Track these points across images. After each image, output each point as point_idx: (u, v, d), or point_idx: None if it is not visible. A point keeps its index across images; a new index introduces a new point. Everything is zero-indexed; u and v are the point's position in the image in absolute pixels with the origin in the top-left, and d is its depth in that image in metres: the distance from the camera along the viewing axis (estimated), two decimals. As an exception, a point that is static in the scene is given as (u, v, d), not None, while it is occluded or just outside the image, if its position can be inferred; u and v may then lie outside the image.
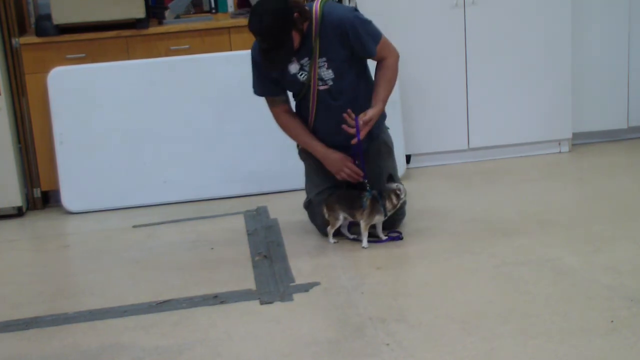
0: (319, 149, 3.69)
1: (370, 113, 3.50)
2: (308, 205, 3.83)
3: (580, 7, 4.77)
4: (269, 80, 3.66)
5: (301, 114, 3.73)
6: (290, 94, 3.75)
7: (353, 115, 3.49)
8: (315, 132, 3.71)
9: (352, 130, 3.50)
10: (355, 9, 3.62)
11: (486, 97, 4.75)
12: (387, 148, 3.78)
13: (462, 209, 4.07)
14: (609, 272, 3.20)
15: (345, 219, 3.65)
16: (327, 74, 3.57)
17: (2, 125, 4.35)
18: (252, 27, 3.41)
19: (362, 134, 3.51)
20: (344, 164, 3.65)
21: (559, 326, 2.79)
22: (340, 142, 3.63)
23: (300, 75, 3.58)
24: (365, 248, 3.60)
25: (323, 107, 3.63)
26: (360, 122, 3.48)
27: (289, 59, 3.51)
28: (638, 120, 5.00)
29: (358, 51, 3.58)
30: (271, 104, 3.73)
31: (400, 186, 3.61)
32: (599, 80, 4.91)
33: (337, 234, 3.71)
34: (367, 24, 3.57)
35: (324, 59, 3.55)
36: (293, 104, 3.79)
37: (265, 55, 3.45)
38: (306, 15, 3.48)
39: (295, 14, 3.41)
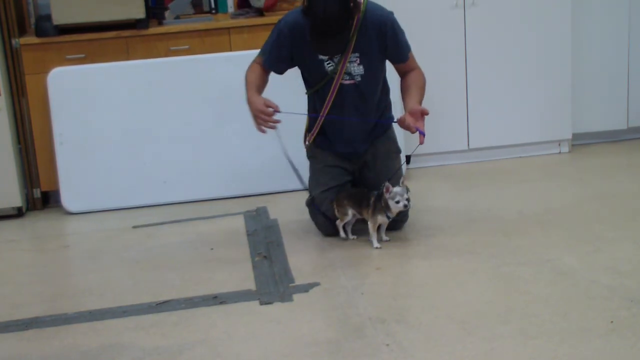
0: (249, 93, 3.61)
1: (418, 106, 3.55)
2: (311, 202, 3.83)
3: (580, 7, 4.77)
4: (281, 57, 3.65)
5: (315, 106, 3.72)
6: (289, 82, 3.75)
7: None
8: (325, 126, 3.70)
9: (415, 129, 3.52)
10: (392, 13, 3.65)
11: (486, 97, 4.75)
12: (395, 148, 3.81)
13: (462, 209, 4.07)
14: (609, 272, 3.20)
15: (353, 215, 3.65)
16: (358, 69, 3.58)
17: (2, 126, 4.35)
18: (316, 9, 3.35)
19: (422, 126, 3.53)
20: (260, 110, 3.52)
21: (559, 326, 2.79)
22: (352, 138, 3.67)
23: (328, 64, 3.58)
24: (378, 248, 3.60)
25: (342, 102, 3.63)
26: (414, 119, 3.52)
27: (342, 47, 3.50)
28: (638, 120, 5.00)
29: (391, 54, 3.62)
30: (259, 67, 3.69)
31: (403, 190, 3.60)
32: (599, 81, 4.91)
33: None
34: (403, 32, 3.63)
35: (357, 54, 3.56)
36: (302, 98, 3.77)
37: (320, 39, 3.42)
38: (358, 7, 3.50)
39: (351, 3, 3.42)
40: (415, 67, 3.69)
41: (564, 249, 3.47)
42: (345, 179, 3.78)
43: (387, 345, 2.74)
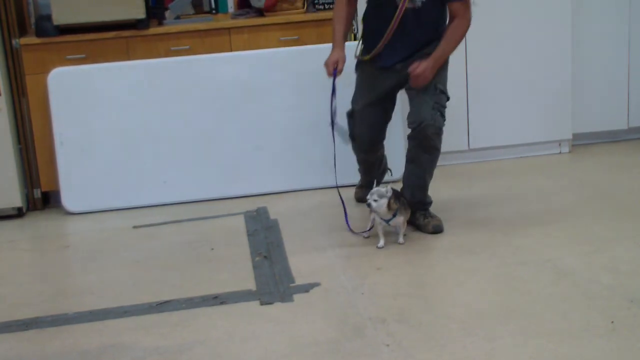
0: (335, 39, 3.79)
1: (423, 65, 3.60)
2: (351, 114, 3.92)
3: (580, 8, 4.77)
4: None
5: (370, 26, 3.79)
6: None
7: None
8: (377, 41, 3.73)
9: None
10: None
11: (486, 97, 4.75)
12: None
13: (462, 209, 4.07)
14: (609, 272, 3.20)
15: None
16: None
17: (2, 126, 4.35)
18: None
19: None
20: (331, 63, 3.73)
21: (559, 326, 2.79)
22: (401, 52, 3.72)
23: None
24: (380, 248, 3.60)
25: (403, 25, 3.65)
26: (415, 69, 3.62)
27: None
28: (638, 120, 5.00)
29: None
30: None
31: (389, 191, 3.57)
32: (599, 81, 4.90)
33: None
34: None
35: None
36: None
37: None
38: None
39: None
40: (461, 16, 3.65)
41: (564, 249, 3.47)
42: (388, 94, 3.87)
43: (387, 345, 2.74)
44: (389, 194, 3.55)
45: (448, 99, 3.75)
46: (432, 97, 3.67)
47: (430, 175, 3.84)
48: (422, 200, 3.83)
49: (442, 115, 3.70)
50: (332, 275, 3.36)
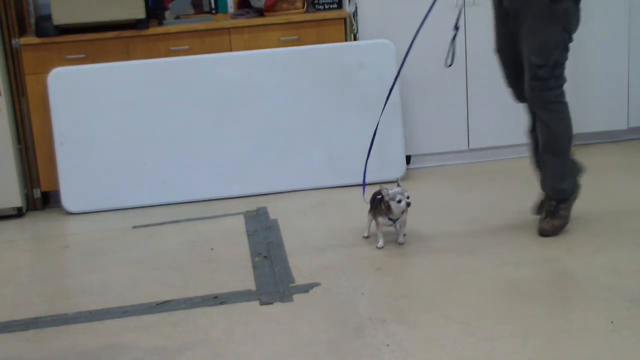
0: None
1: None
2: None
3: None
4: None
5: None
6: None
7: None
8: None
9: None
10: None
11: (486, 97, 4.75)
12: (547, 19, 3.51)
13: (462, 209, 4.07)
14: (608, 272, 3.20)
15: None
16: None
17: (2, 126, 4.35)
18: None
19: None
20: None
21: (559, 326, 2.79)
22: None
23: None
24: (380, 248, 3.60)
25: None
26: None
27: None
28: (638, 120, 5.00)
29: None
30: None
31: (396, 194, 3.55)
32: (599, 81, 4.90)
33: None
34: None
35: None
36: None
37: None
38: None
39: None
40: None
41: (564, 249, 3.47)
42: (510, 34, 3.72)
43: (387, 345, 2.74)
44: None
45: (555, 65, 3.54)
46: (528, 72, 3.59)
47: (552, 152, 3.65)
48: (550, 187, 3.68)
49: (542, 90, 3.54)
50: (332, 275, 3.36)
